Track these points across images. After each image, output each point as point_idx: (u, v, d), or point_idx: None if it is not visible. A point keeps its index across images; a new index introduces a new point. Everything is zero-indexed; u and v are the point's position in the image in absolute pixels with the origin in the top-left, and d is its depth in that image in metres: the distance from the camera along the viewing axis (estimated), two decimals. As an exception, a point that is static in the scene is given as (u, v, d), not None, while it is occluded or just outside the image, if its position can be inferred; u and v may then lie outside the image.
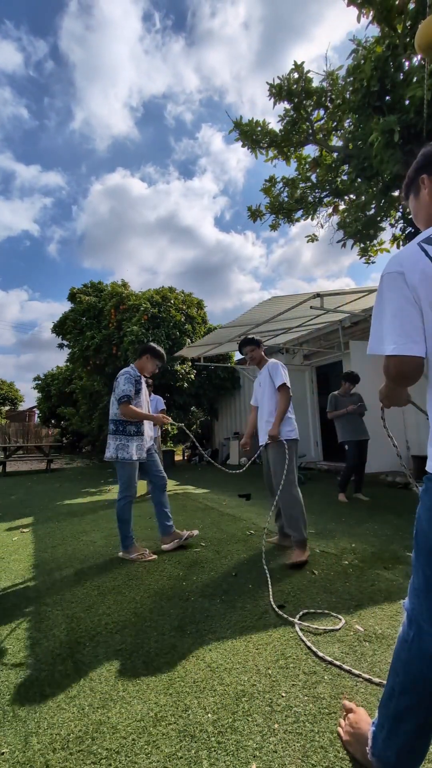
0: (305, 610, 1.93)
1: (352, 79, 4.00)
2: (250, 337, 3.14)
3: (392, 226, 4.68)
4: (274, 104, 4.70)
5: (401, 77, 3.63)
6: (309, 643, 1.64)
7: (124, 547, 2.88)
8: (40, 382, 17.55)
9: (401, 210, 4.47)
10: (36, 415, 22.00)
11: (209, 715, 1.28)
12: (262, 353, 3.14)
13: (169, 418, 3.09)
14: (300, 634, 1.71)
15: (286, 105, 4.71)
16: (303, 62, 4.52)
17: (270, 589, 2.16)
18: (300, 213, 5.34)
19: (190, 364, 9.52)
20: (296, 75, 4.55)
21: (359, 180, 4.50)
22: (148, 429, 3.04)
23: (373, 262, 5.20)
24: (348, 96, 4.23)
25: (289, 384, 2.90)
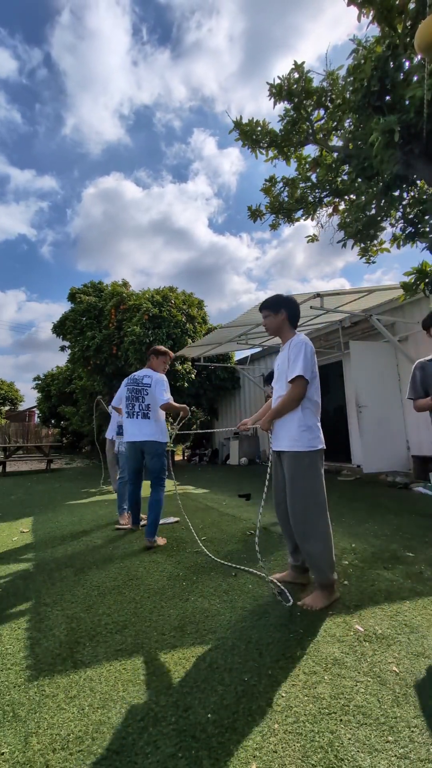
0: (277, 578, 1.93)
1: (352, 78, 3.99)
2: (268, 299, 2.34)
3: (392, 226, 4.67)
4: (274, 104, 4.69)
5: (401, 77, 3.62)
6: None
7: (119, 515, 3.89)
8: (40, 382, 17.55)
9: (401, 210, 4.46)
10: (36, 415, 21.99)
11: (209, 715, 1.28)
12: (282, 321, 2.28)
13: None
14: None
15: (286, 105, 4.70)
16: (303, 62, 4.51)
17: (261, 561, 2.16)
18: (300, 213, 5.34)
19: (190, 363, 9.53)
20: (296, 75, 4.55)
21: (359, 180, 4.50)
22: None
23: (373, 262, 5.18)
24: (348, 96, 4.23)
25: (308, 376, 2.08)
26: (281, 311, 2.26)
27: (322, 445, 2.12)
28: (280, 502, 2.22)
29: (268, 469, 2.26)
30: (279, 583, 2.20)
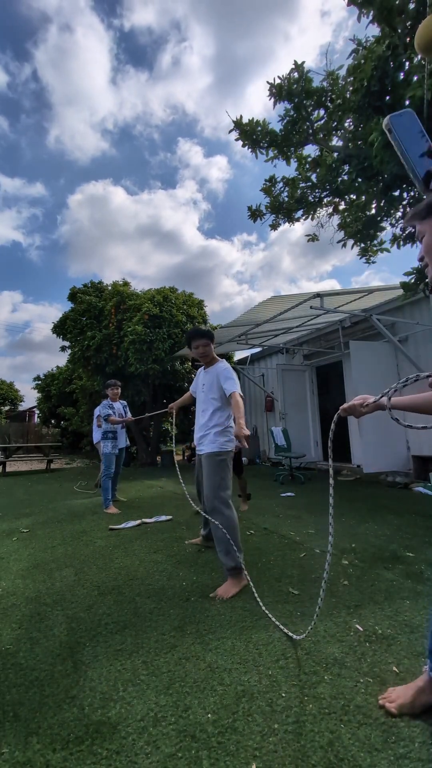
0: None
1: (352, 78, 4.00)
2: (202, 329, 2.73)
3: (392, 226, 4.68)
4: (275, 104, 4.69)
5: (401, 77, 3.62)
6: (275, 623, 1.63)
7: (105, 506, 4.51)
8: (40, 382, 17.54)
9: (401, 210, 4.46)
10: (36, 415, 21.98)
11: (209, 715, 1.28)
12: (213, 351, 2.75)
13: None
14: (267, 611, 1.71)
15: (286, 105, 4.71)
16: (303, 62, 4.52)
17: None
18: (300, 213, 5.34)
19: (190, 363, 9.53)
20: (296, 75, 4.55)
21: (359, 180, 4.50)
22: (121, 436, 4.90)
23: (373, 262, 5.20)
24: (348, 96, 4.23)
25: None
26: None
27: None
28: None
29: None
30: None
